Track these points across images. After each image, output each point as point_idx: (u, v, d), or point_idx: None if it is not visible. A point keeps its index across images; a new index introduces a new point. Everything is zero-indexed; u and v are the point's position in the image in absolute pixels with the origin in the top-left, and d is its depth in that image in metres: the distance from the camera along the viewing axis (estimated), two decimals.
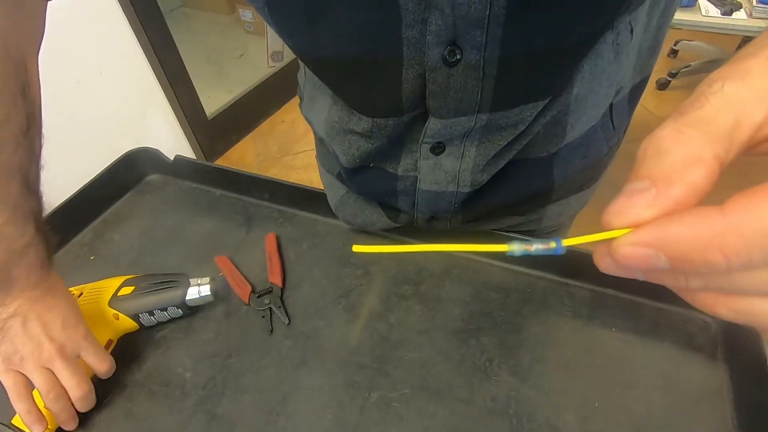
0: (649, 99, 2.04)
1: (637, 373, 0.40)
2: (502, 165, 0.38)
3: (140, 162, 0.63)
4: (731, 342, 0.40)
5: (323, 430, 0.38)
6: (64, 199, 0.55)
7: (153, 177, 0.64)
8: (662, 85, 2.12)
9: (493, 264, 0.49)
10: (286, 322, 0.45)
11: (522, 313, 0.45)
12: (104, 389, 0.41)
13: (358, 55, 0.30)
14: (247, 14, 2.59)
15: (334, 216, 0.55)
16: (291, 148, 1.92)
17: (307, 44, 0.32)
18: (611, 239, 0.14)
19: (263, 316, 0.46)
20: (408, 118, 0.34)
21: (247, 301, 0.47)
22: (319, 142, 0.50)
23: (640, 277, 0.15)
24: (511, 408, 0.38)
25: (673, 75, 2.09)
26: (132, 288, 0.44)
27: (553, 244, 0.16)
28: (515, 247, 0.16)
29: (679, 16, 1.32)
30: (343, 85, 0.35)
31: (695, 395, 0.38)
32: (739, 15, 1.34)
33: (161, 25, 1.52)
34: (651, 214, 0.13)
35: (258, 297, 0.47)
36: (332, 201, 0.52)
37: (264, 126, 2.06)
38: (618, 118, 0.41)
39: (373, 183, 0.43)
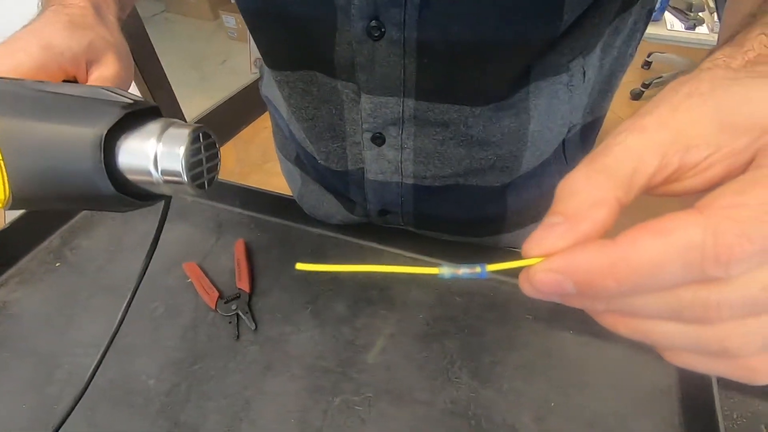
0: (624, 108, 2.11)
1: (593, 374, 0.41)
2: (449, 174, 0.40)
3: None
4: None
5: None
6: None
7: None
8: (636, 95, 2.20)
9: None
10: (253, 327, 0.46)
11: (485, 317, 0.46)
12: (66, 397, 0.41)
13: (298, 12, 0.32)
14: (231, 20, 2.59)
15: (305, 223, 0.56)
16: (273, 154, 1.91)
17: None
18: (529, 266, 0.16)
19: (230, 322, 0.46)
20: (342, 86, 0.36)
21: (214, 308, 0.47)
22: (277, 126, 0.52)
23: (556, 300, 0.16)
24: (470, 409, 0.39)
25: (646, 85, 2.17)
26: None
27: (478, 269, 0.17)
28: (445, 270, 0.18)
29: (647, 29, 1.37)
30: (281, 43, 0.36)
31: (646, 394, 0.39)
32: (702, 30, 1.41)
33: (140, 31, 1.52)
34: (562, 245, 0.15)
35: (225, 303, 0.48)
36: (294, 192, 0.54)
37: (245, 132, 2.06)
38: (571, 152, 0.43)
39: (326, 172, 0.44)
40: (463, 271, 0.17)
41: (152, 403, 0.41)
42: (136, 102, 0.23)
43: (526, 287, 0.16)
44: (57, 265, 0.53)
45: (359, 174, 0.43)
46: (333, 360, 0.43)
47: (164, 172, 0.23)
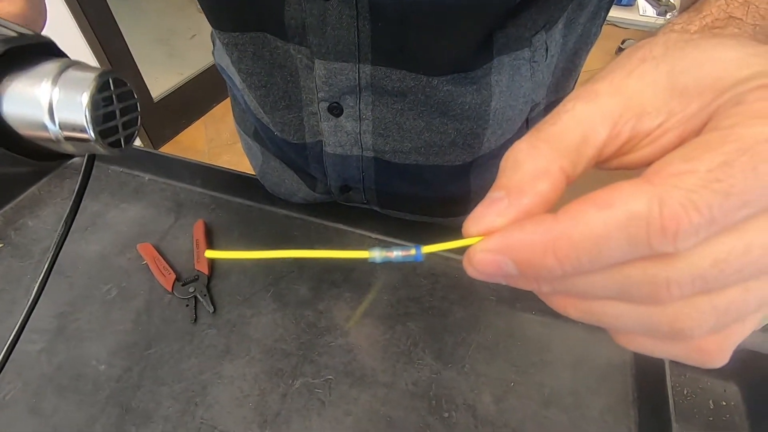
0: None
1: (552, 353, 0.42)
2: (409, 149, 0.39)
3: None
4: None
5: (242, 418, 0.37)
6: None
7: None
8: None
9: None
10: (211, 310, 0.44)
11: (449, 299, 0.46)
12: (7, 385, 0.39)
13: None
14: None
15: (269, 203, 0.54)
16: None
17: None
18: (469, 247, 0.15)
19: (187, 305, 0.45)
20: (295, 51, 0.34)
21: (170, 290, 0.45)
22: (234, 98, 0.50)
23: (502, 282, 0.15)
24: (431, 390, 0.39)
25: None
26: None
27: (413, 251, 0.16)
28: (376, 254, 0.16)
29: (619, 14, 1.38)
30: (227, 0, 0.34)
31: (601, 372, 0.40)
32: (673, 16, 1.42)
33: (101, 3, 1.42)
34: (503, 222, 0.14)
35: (183, 285, 0.46)
36: (255, 170, 0.52)
37: (217, 110, 1.99)
38: None
39: (285, 145, 0.43)
40: (396, 254, 0.16)
41: (102, 389, 0.39)
42: (22, 35, 0.18)
43: (469, 270, 0.15)
44: (0, 246, 0.50)
45: (318, 147, 0.41)
46: (294, 343, 0.42)
47: (64, 125, 0.18)
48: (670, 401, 0.35)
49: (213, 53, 0.49)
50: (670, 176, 0.11)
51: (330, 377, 0.40)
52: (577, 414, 0.38)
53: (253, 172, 0.55)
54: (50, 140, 0.19)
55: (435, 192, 0.44)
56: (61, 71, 0.19)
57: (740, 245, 0.12)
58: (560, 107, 0.15)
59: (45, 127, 0.19)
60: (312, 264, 0.48)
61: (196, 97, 1.92)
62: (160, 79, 1.85)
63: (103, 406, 0.38)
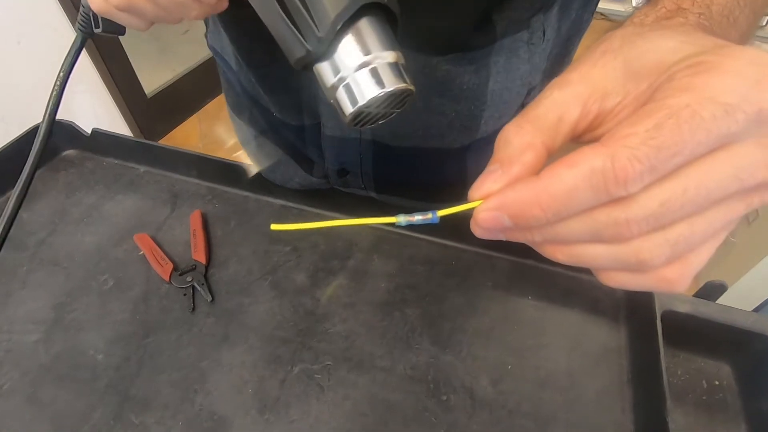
0: None
1: (548, 337, 0.42)
2: (408, 133, 0.39)
3: (53, 136, 0.58)
4: (632, 305, 0.43)
5: (242, 404, 0.37)
6: None
7: (69, 153, 0.59)
8: None
9: (421, 238, 0.50)
10: (209, 299, 0.44)
11: (446, 285, 0.46)
12: (5, 375, 0.39)
13: None
14: None
15: (265, 193, 0.54)
16: None
17: None
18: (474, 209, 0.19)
19: (185, 294, 0.45)
20: None
21: (168, 280, 0.45)
22: (227, 83, 0.50)
23: (501, 237, 0.19)
24: (429, 374, 0.39)
25: None
26: None
27: (430, 215, 0.20)
28: (401, 219, 0.20)
29: (611, 6, 1.39)
30: None
31: (597, 354, 0.41)
32: None
33: None
34: (498, 187, 0.18)
35: (180, 275, 0.46)
36: (250, 156, 0.53)
37: (211, 107, 1.97)
38: None
39: (282, 127, 0.43)
40: (417, 218, 0.20)
41: (100, 378, 0.39)
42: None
43: (475, 229, 0.19)
44: None
45: (316, 129, 0.41)
46: (292, 330, 0.42)
47: (342, 83, 0.21)
48: (664, 382, 0.35)
49: (206, 36, 0.49)
50: (619, 138, 0.15)
51: (328, 363, 0.40)
52: (573, 395, 0.38)
53: (249, 161, 0.55)
54: (327, 80, 0.21)
55: (432, 177, 0.44)
56: (396, 60, 0.22)
57: (679, 187, 0.15)
58: (541, 94, 0.18)
59: (338, 71, 0.21)
60: (309, 252, 0.49)
61: (189, 93, 1.91)
62: (153, 75, 1.83)
63: (102, 394, 0.38)
